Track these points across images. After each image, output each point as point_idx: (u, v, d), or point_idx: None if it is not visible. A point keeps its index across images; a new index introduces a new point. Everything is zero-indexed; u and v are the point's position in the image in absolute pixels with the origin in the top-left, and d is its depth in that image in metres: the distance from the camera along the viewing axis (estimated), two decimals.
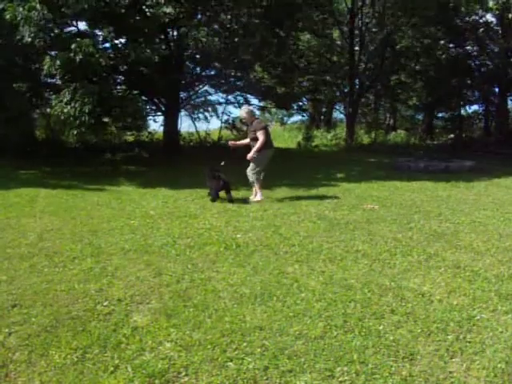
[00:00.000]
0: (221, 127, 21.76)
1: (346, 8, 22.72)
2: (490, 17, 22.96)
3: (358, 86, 23.68)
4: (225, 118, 21.64)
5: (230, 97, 20.66)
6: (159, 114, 18.23)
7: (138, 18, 12.05)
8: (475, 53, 24.20)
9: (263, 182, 8.77)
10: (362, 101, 25.61)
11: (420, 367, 3.04)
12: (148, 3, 12.31)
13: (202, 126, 22.90)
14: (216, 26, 15.84)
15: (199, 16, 15.46)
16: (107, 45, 12.25)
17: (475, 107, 28.09)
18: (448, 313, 3.80)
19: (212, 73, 18.18)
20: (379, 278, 4.60)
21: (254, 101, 21.78)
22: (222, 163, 8.87)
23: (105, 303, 3.97)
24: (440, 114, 29.01)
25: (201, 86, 19.18)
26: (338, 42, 24.45)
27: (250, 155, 8.44)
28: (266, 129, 8.67)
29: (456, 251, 5.52)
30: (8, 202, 8.38)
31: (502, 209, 8.08)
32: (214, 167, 8.75)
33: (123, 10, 11.80)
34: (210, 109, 22.21)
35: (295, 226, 6.72)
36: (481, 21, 22.95)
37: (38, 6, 9.93)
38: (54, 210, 7.77)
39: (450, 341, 3.36)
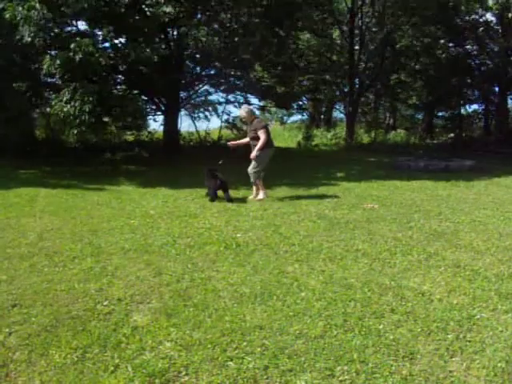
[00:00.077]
0: (221, 127, 21.75)
1: (346, 7, 22.71)
2: (489, 16, 22.96)
3: (357, 86, 23.68)
4: (225, 117, 21.66)
5: (229, 96, 20.68)
6: (159, 113, 18.23)
7: (137, 17, 12.05)
8: (475, 52, 24.19)
9: (263, 181, 8.77)
10: (361, 100, 25.61)
11: (420, 366, 3.04)
12: (148, 2, 12.31)
13: (201, 126, 22.95)
14: (216, 26, 15.83)
15: (199, 15, 15.46)
16: (107, 44, 12.25)
17: (475, 106, 28.12)
18: (448, 312, 3.80)
19: (212, 72, 18.18)
20: (379, 277, 4.60)
21: (254, 100, 21.83)
22: (220, 162, 8.87)
23: (105, 303, 3.97)
24: (440, 113, 29.01)
25: (201, 86, 19.18)
26: (338, 42, 24.44)
27: (253, 154, 8.44)
28: (266, 128, 8.68)
29: (456, 250, 5.52)
30: (8, 202, 8.38)
31: (502, 208, 8.08)
32: (212, 167, 8.75)
33: (123, 10, 11.80)
34: (210, 108, 22.21)
35: (295, 225, 6.72)
36: (481, 20, 22.94)
37: (37, 5, 9.93)
38: (54, 210, 7.77)
39: (450, 340, 3.36)
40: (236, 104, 20.87)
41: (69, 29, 12.22)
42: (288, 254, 5.33)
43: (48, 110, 12.95)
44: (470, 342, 3.35)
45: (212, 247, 5.56)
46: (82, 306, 3.92)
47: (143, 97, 16.43)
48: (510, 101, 25.49)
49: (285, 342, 3.33)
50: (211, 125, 23.21)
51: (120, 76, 14.63)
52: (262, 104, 21.91)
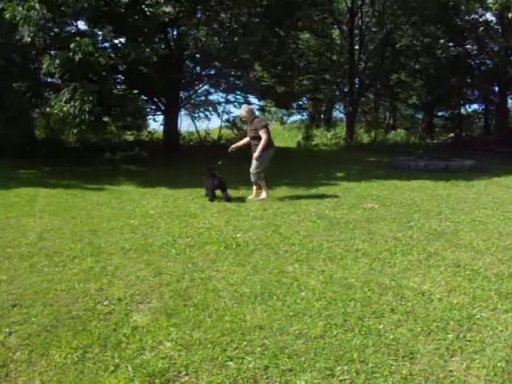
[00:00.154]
0: (221, 126, 21.76)
1: (346, 7, 22.71)
2: (489, 16, 22.97)
3: (357, 85, 23.68)
4: (225, 117, 21.67)
5: (229, 96, 20.68)
6: (159, 113, 18.24)
7: (137, 17, 12.05)
8: (475, 52, 24.19)
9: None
10: (361, 100, 25.62)
11: (420, 366, 3.04)
12: (147, 2, 12.33)
13: (201, 126, 22.94)
14: (216, 26, 15.83)
15: (199, 15, 15.47)
16: (107, 44, 12.25)
17: (475, 106, 28.13)
18: (448, 312, 3.80)
19: (212, 72, 18.18)
20: (379, 276, 4.60)
21: (254, 100, 21.82)
22: (220, 162, 8.88)
23: (105, 303, 3.98)
24: (440, 113, 29.01)
25: (201, 86, 19.19)
26: (338, 41, 24.44)
27: (256, 155, 8.43)
28: (267, 127, 8.69)
29: (456, 250, 5.53)
30: (8, 202, 8.38)
31: (501, 208, 8.08)
32: (211, 166, 8.76)
33: (123, 10, 11.81)
34: (210, 108, 22.22)
35: (295, 225, 6.72)
36: (481, 20, 22.94)
37: (37, 5, 9.92)
38: (54, 210, 7.77)
39: (450, 340, 3.36)
40: (236, 104, 20.91)
41: (69, 29, 12.23)
42: (288, 254, 5.33)
43: (48, 109, 12.93)
44: (470, 341, 3.35)
45: (212, 247, 5.56)
46: (82, 305, 3.92)
47: (143, 97, 16.44)
48: (509, 100, 25.54)
49: (285, 341, 3.33)
50: (211, 124, 23.27)
51: (120, 76, 14.63)
52: (261, 104, 21.90)
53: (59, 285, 4.35)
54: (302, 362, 3.08)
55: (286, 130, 30.64)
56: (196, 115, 22.12)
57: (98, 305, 3.94)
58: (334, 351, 3.20)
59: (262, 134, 8.41)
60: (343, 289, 4.27)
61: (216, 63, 16.78)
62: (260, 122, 8.64)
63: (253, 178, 8.65)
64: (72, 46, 10.10)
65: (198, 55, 16.86)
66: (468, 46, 24.31)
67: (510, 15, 20.70)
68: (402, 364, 3.07)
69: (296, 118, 36.51)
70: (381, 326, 3.55)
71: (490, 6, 20.75)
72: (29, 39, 10.05)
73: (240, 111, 9.06)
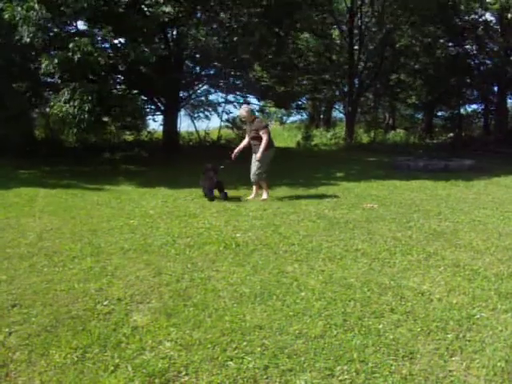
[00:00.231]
0: (220, 126, 21.76)
1: (346, 7, 22.71)
2: (489, 16, 22.98)
3: (357, 85, 23.68)
4: (224, 117, 21.68)
5: (229, 96, 20.69)
6: (158, 113, 18.24)
7: (137, 17, 12.04)
8: (474, 52, 24.21)
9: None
10: (361, 100, 25.62)
11: (420, 366, 3.05)
12: (147, 2, 12.32)
13: (201, 126, 22.94)
14: (215, 26, 15.83)
15: (198, 15, 15.47)
16: (106, 44, 12.24)
17: (474, 106, 28.16)
18: (448, 311, 3.80)
19: (211, 72, 18.18)
20: (379, 276, 4.60)
21: (254, 100, 21.82)
22: (222, 166, 8.90)
23: (105, 303, 3.97)
24: (439, 113, 29.03)
25: (200, 86, 19.18)
26: (338, 41, 24.44)
27: (258, 156, 8.44)
28: (268, 128, 8.72)
29: (455, 250, 5.53)
30: (7, 202, 8.37)
31: (501, 208, 8.09)
32: (213, 165, 8.76)
33: (122, 10, 11.80)
34: (209, 108, 22.23)
35: (295, 225, 6.72)
36: (480, 20, 22.95)
37: (36, 5, 9.91)
38: (54, 210, 7.77)
39: (450, 339, 3.36)
40: (235, 104, 20.92)
41: (68, 29, 12.21)
42: (287, 254, 5.33)
43: (47, 109, 12.94)
44: (469, 341, 3.35)
45: (211, 247, 5.56)
46: (81, 305, 3.92)
47: (143, 97, 16.44)
48: (509, 100, 25.57)
49: (284, 341, 3.33)
50: (211, 124, 23.26)
51: (119, 76, 14.62)
52: (261, 104, 21.90)
53: (59, 285, 4.35)
54: (301, 361, 3.09)
55: (286, 130, 30.66)
56: (195, 115, 22.16)
57: (97, 305, 3.93)
58: (333, 351, 3.21)
59: (263, 134, 8.43)
60: (343, 289, 4.27)
61: (215, 63, 16.78)
62: (261, 123, 8.66)
63: (255, 179, 8.64)
64: (71, 45, 10.09)
65: (197, 55, 16.86)
66: (467, 46, 24.33)
67: (509, 15, 20.70)
68: (401, 364, 3.07)
69: (295, 118, 36.56)
70: (380, 326, 3.55)
71: (490, 6, 20.74)
72: (28, 39, 10.05)
73: (240, 111, 9.07)
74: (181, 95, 18.09)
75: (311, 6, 17.10)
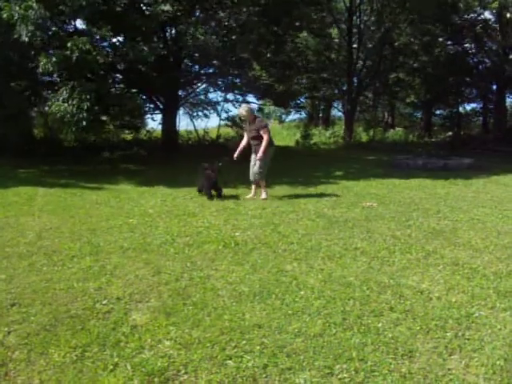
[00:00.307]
0: (219, 125, 21.75)
1: (344, 6, 22.70)
2: (488, 14, 22.99)
3: (356, 84, 23.68)
4: (224, 115, 21.67)
5: (228, 95, 20.67)
6: (157, 112, 18.22)
7: (136, 16, 12.03)
8: (473, 50, 24.21)
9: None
10: (360, 98, 25.62)
11: (419, 364, 3.05)
12: (146, 1, 12.30)
13: (200, 124, 22.91)
14: (214, 24, 15.81)
15: (197, 14, 15.44)
16: (105, 43, 12.23)
17: (473, 104, 28.18)
18: (447, 310, 3.80)
19: (210, 71, 18.17)
20: (378, 275, 4.60)
21: (253, 99, 21.80)
22: (220, 164, 8.89)
23: (104, 302, 3.97)
24: (438, 112, 29.05)
25: (199, 84, 19.17)
26: (336, 40, 24.43)
27: (260, 156, 8.43)
28: (268, 127, 8.74)
29: (455, 249, 5.53)
30: (6, 201, 8.37)
31: (500, 206, 8.09)
32: (211, 166, 8.76)
33: (121, 8, 11.79)
34: (208, 107, 22.20)
35: (294, 223, 6.73)
36: (479, 18, 22.96)
37: (34, 4, 9.89)
38: (53, 209, 7.76)
39: (449, 338, 3.37)
40: (234, 103, 20.90)
41: (67, 27, 12.20)
42: (287, 253, 5.33)
43: (46, 108, 12.92)
44: (468, 339, 3.35)
45: (211, 246, 5.56)
46: (81, 304, 3.92)
47: (141, 95, 16.42)
48: (508, 99, 25.59)
49: (284, 340, 3.33)
50: (209, 123, 23.24)
51: (118, 75, 14.60)
52: (260, 103, 21.90)
53: (58, 284, 4.35)
54: (301, 360, 3.09)
55: (285, 129, 30.67)
56: (194, 114, 22.12)
57: (96, 304, 3.93)
58: (333, 350, 3.21)
59: (264, 134, 8.44)
60: (342, 287, 4.27)
61: (214, 62, 16.76)
62: (261, 122, 8.69)
63: (257, 178, 8.61)
64: (69, 44, 10.08)
65: (196, 54, 16.83)
66: (466, 45, 24.36)
67: (508, 15, 20.73)
68: (400, 362, 3.07)
69: (294, 116, 36.57)
70: (380, 325, 3.56)
71: (489, 5, 20.75)
72: (26, 38, 10.02)
73: (240, 110, 9.06)
74: (180, 94, 18.06)
75: (310, 5, 17.05)
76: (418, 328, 3.51)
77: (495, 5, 20.42)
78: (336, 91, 26.31)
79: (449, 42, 24.38)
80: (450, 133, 25.72)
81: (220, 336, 3.39)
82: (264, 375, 2.93)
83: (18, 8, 9.96)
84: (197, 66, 18.07)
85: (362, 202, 8.40)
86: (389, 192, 9.53)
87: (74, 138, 15.97)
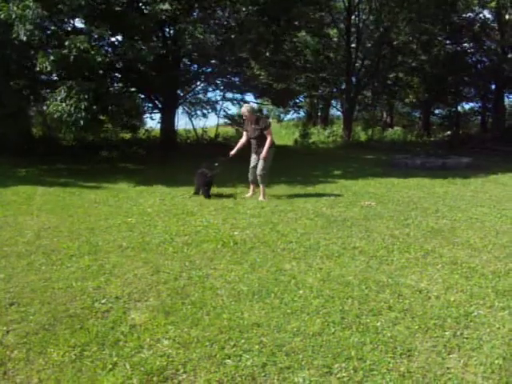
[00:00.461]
0: (218, 124, 21.74)
1: (343, 5, 22.69)
2: (486, 13, 23.01)
3: (354, 83, 23.68)
4: (222, 114, 21.67)
5: (227, 94, 20.67)
6: (156, 111, 18.20)
7: (134, 15, 12.01)
8: (472, 49, 24.22)
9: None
10: (358, 98, 25.62)
11: (418, 363, 3.05)
12: (145, 0, 12.27)
13: (198, 124, 22.90)
14: (212, 23, 15.79)
15: (196, 13, 15.42)
16: (104, 42, 12.20)
17: (472, 104, 28.20)
18: (445, 309, 3.81)
19: (209, 70, 18.15)
20: (376, 274, 4.61)
21: (251, 98, 21.79)
22: (217, 164, 8.89)
23: (103, 301, 3.97)
24: (437, 111, 29.06)
25: (198, 83, 19.15)
26: (335, 39, 24.42)
27: (264, 155, 8.42)
28: (271, 127, 8.75)
29: (453, 248, 5.54)
30: (5, 200, 8.36)
31: (498, 205, 8.10)
32: (208, 166, 8.76)
33: (120, 8, 11.77)
34: (207, 106, 22.18)
35: (292, 223, 6.73)
36: (478, 17, 22.98)
37: (31, 4, 9.86)
38: (51, 208, 7.75)
39: (448, 337, 3.37)
40: (234, 102, 20.92)
41: (65, 27, 12.18)
42: (285, 252, 5.33)
43: (45, 108, 12.90)
44: (467, 339, 3.36)
45: (209, 245, 5.56)
46: (79, 304, 3.92)
47: (140, 95, 16.39)
48: (506, 98, 25.59)
49: (282, 339, 3.34)
50: (208, 122, 23.24)
51: (117, 74, 14.58)
52: (258, 101, 21.88)
53: (57, 283, 4.35)
54: (299, 359, 3.09)
55: (283, 128, 30.65)
56: (193, 113, 22.10)
57: (95, 303, 3.94)
58: (331, 349, 3.21)
59: (268, 134, 8.45)
60: (341, 286, 4.27)
61: (213, 61, 16.74)
62: (265, 122, 8.70)
63: (260, 180, 8.58)
64: (67, 43, 10.06)
65: (195, 53, 16.81)
66: (465, 44, 24.36)
67: (507, 17, 20.76)
68: (399, 361, 3.08)
69: (293, 115, 36.54)
70: (378, 324, 3.56)
71: (488, 4, 20.77)
72: (24, 38, 9.99)
73: (242, 110, 9.03)
74: (178, 93, 18.04)
75: (308, 4, 17.03)
76: (417, 327, 3.51)
77: (493, 4, 20.45)
78: (334, 90, 26.30)
79: (447, 41, 24.37)
80: (449, 132, 25.73)
81: (219, 335, 3.39)
82: (263, 374, 2.94)
83: (15, 8, 9.94)
84: (195, 65, 18.03)
85: (360, 201, 8.40)
86: (387, 191, 9.54)
87: (73, 137, 15.95)
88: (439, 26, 22.31)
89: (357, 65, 23.39)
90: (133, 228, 6.41)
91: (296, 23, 17.35)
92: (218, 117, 21.61)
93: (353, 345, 3.26)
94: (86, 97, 10.33)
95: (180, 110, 20.43)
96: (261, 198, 8.51)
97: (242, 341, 3.31)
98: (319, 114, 33.44)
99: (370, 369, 2.99)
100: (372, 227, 6.47)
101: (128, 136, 18.92)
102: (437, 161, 14.01)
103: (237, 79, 18.98)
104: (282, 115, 39.03)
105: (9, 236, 5.95)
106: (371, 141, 22.93)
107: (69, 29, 12.08)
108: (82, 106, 10.26)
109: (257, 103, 22.00)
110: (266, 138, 8.45)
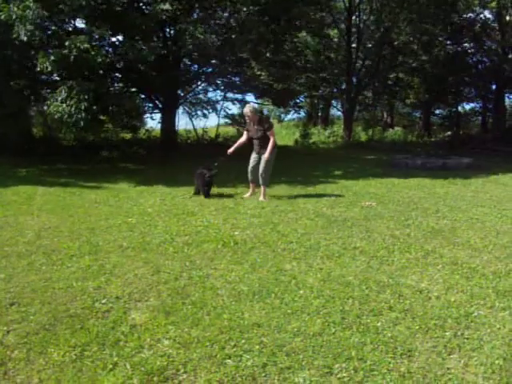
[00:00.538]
0: (218, 124, 21.74)
1: (344, 5, 22.68)
2: (487, 14, 23.00)
3: (355, 84, 23.67)
4: (223, 114, 21.68)
5: (227, 94, 20.67)
6: (156, 111, 18.20)
7: (135, 15, 12.02)
8: (473, 50, 24.21)
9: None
10: (359, 98, 25.62)
11: (418, 364, 3.05)
12: (145, 0, 12.27)
13: (199, 124, 22.91)
14: (213, 23, 15.80)
15: (196, 13, 15.43)
16: (104, 42, 12.21)
17: (473, 104, 28.18)
18: (446, 309, 3.81)
19: (209, 70, 18.15)
20: (377, 274, 4.61)
21: (252, 98, 21.81)
22: (216, 164, 8.89)
23: (103, 301, 3.98)
24: (437, 111, 29.05)
25: (198, 83, 19.15)
26: (335, 39, 24.41)
27: (268, 156, 8.42)
28: (274, 129, 8.76)
29: (454, 248, 5.54)
30: (6, 200, 8.36)
31: (499, 206, 8.10)
32: (208, 169, 8.76)
33: (121, 8, 11.77)
34: (208, 106, 22.19)
35: (293, 223, 6.73)
36: (478, 18, 22.97)
37: (31, 4, 9.86)
38: (52, 208, 7.76)
39: (448, 337, 3.37)
40: (235, 102, 20.92)
41: (66, 27, 12.18)
42: (286, 252, 5.33)
43: (45, 108, 12.90)
44: (467, 339, 3.36)
45: (210, 245, 5.56)
46: (80, 304, 3.92)
47: (141, 95, 16.39)
48: (507, 99, 25.58)
49: (283, 339, 3.34)
50: (208, 122, 23.24)
51: (117, 74, 14.58)
52: (259, 102, 21.89)
53: (57, 283, 4.35)
54: (300, 359, 3.09)
55: (284, 128, 30.63)
56: (193, 113, 22.11)
57: (96, 303, 3.94)
58: (332, 349, 3.21)
59: (271, 135, 8.45)
60: (341, 287, 4.27)
61: (214, 61, 16.74)
62: (268, 123, 8.73)
63: (262, 181, 8.57)
64: (67, 43, 10.06)
65: (195, 53, 16.81)
66: (466, 44, 24.34)
67: (507, 18, 20.75)
68: (399, 362, 3.07)
69: (293, 115, 36.53)
70: (379, 324, 3.56)
71: (488, 4, 20.77)
72: (25, 38, 10.00)
73: (245, 110, 9.01)
74: (179, 93, 18.05)
75: (309, 4, 17.03)
76: (417, 327, 3.51)
77: (494, 4, 20.44)
78: (335, 90, 26.28)
79: (448, 42, 24.35)
80: (449, 132, 25.71)
81: (219, 335, 3.39)
82: (263, 374, 2.94)
83: (16, 9, 9.94)
84: (196, 65, 18.03)
85: (361, 201, 8.40)
86: (388, 191, 9.54)
87: (73, 137, 15.95)
88: (440, 27, 22.29)
89: (357, 65, 23.38)
90: (133, 228, 6.41)
91: (296, 23, 17.33)
92: (219, 117, 21.64)
93: (353, 345, 3.26)
94: (87, 97, 10.33)
95: (180, 110, 20.47)
96: (261, 198, 8.50)
97: (243, 341, 3.31)
98: (320, 114, 33.42)
99: (371, 369, 2.99)
100: (372, 227, 6.47)
101: (128, 136, 18.92)
102: (437, 161, 14.00)
103: (237, 79, 18.99)
104: (282, 115, 39.01)
105: (9, 236, 5.96)
106: (372, 141, 22.92)
107: (70, 29, 12.09)
108: (82, 107, 10.26)
109: (257, 103, 21.99)
110: (268, 139, 8.44)
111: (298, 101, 24.08)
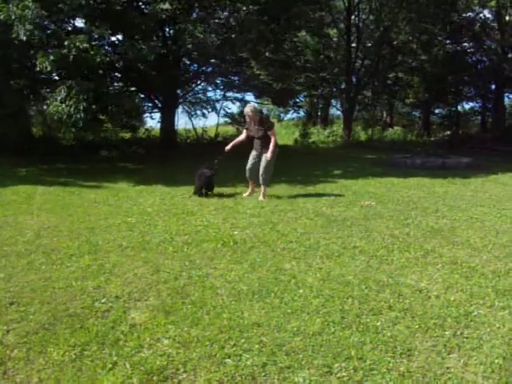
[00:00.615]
0: (218, 123, 21.73)
1: (343, 5, 22.69)
2: (487, 13, 23.00)
3: (354, 83, 23.67)
4: (222, 113, 21.68)
5: (227, 93, 20.67)
6: (156, 110, 18.20)
7: (135, 14, 12.01)
8: (472, 49, 24.22)
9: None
10: (358, 97, 25.63)
11: (417, 363, 3.05)
12: (145, 0, 12.26)
13: (198, 123, 22.89)
14: (212, 22, 15.80)
15: (196, 12, 15.43)
16: (104, 42, 12.20)
17: (472, 104, 28.19)
18: (445, 309, 3.81)
19: (209, 69, 18.15)
20: (376, 274, 4.61)
21: (251, 97, 21.81)
22: (216, 161, 8.89)
23: (103, 300, 3.98)
24: (437, 111, 29.05)
25: (198, 83, 19.15)
26: (335, 39, 24.41)
27: (269, 157, 8.40)
28: (274, 127, 8.75)
29: (453, 247, 5.54)
30: (5, 200, 8.36)
31: (498, 205, 8.10)
32: (209, 169, 8.75)
33: (120, 7, 11.76)
34: (207, 106, 22.19)
35: (292, 222, 6.73)
36: (478, 17, 22.97)
37: (30, 4, 9.86)
38: (51, 208, 7.75)
39: (448, 337, 3.37)
40: (234, 101, 20.92)
41: (65, 26, 12.17)
42: (285, 252, 5.33)
43: (45, 107, 12.89)
44: (467, 338, 3.36)
45: (209, 244, 5.56)
46: (79, 303, 3.92)
47: (140, 94, 16.39)
48: (506, 98, 25.58)
49: (283, 338, 3.34)
50: (208, 122, 23.23)
51: (117, 73, 14.58)
52: (258, 101, 21.89)
53: (57, 282, 4.35)
54: (299, 359, 3.09)
55: (283, 128, 30.63)
56: (193, 113, 22.11)
57: (95, 302, 3.94)
58: (331, 348, 3.21)
59: (272, 135, 8.43)
60: (341, 286, 4.27)
61: (213, 60, 16.74)
62: (269, 123, 8.72)
63: (262, 181, 8.55)
64: (66, 43, 10.06)
65: (195, 52, 16.81)
66: (465, 44, 24.34)
67: (507, 18, 20.75)
68: (399, 361, 3.08)
69: (293, 115, 36.53)
70: (378, 323, 3.56)
71: (488, 3, 20.77)
72: (24, 37, 9.99)
73: (246, 109, 9.00)
74: (178, 92, 18.05)
75: (309, 4, 17.03)
76: (417, 327, 3.52)
77: (493, 3, 20.44)
78: (334, 90, 26.28)
79: (447, 41, 24.36)
80: (449, 132, 25.71)
81: (219, 335, 3.39)
82: (263, 374, 2.94)
83: (15, 8, 9.93)
84: (195, 65, 18.04)
85: (360, 200, 8.40)
86: (387, 191, 9.54)
87: (73, 136, 15.94)
88: (439, 26, 22.30)
89: (357, 64, 23.38)
90: (133, 227, 6.41)
91: (296, 23, 17.31)
92: (218, 116, 21.64)
93: (353, 344, 3.26)
94: (86, 97, 10.32)
95: (180, 109, 20.46)
96: (261, 197, 8.49)
97: (242, 340, 3.31)
98: (319, 113, 33.43)
99: (370, 368, 2.99)
100: (372, 227, 6.47)
101: (128, 135, 18.92)
102: (437, 160, 14.00)
103: (237, 79, 19.00)
104: (281, 115, 39.03)
105: (9, 235, 5.95)
106: (371, 140, 22.92)
107: (69, 28, 12.08)
108: (82, 107, 10.25)
109: (257, 103, 22.00)
110: (269, 139, 8.43)
111: (297, 100, 24.09)
